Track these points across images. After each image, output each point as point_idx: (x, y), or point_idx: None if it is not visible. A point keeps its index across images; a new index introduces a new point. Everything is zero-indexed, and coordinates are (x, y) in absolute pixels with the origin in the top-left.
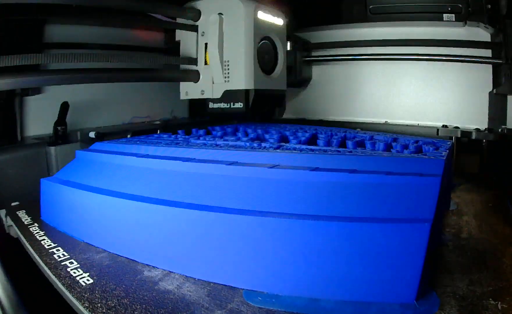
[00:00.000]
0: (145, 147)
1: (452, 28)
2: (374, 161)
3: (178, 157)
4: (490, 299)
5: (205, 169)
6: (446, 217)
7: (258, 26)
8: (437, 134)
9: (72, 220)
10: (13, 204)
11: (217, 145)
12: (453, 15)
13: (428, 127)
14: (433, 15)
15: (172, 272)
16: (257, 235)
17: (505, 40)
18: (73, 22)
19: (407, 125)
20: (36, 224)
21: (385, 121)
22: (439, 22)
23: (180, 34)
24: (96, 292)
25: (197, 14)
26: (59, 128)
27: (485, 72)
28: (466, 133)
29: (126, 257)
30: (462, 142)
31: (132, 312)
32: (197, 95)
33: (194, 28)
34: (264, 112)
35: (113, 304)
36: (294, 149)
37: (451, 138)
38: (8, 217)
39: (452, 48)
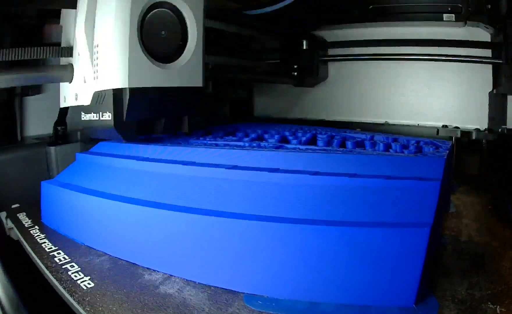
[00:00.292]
0: (146, 149)
1: (452, 28)
2: (374, 164)
3: (179, 161)
4: (489, 303)
5: (205, 172)
6: (445, 220)
7: None
8: (437, 134)
9: (73, 223)
10: (13, 206)
11: (217, 145)
12: (453, 15)
13: (428, 127)
14: (433, 15)
15: (172, 275)
16: (258, 239)
17: (505, 40)
18: None
19: (407, 125)
20: (36, 227)
21: (385, 121)
22: (439, 22)
23: (63, 17)
24: (98, 296)
25: None
26: (59, 128)
27: (485, 72)
28: (466, 133)
29: (126, 261)
30: (462, 142)
31: None
32: (72, 101)
33: (74, 4)
34: (165, 124)
35: (114, 308)
36: (295, 149)
37: (451, 138)
38: (8, 220)
39: (452, 48)
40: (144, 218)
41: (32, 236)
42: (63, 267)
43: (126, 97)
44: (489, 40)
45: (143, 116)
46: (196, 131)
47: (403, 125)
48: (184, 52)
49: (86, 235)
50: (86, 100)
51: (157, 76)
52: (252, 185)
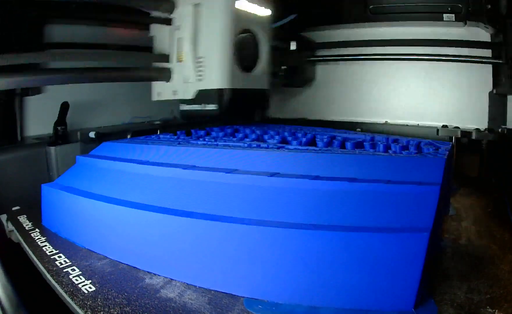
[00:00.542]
0: (147, 151)
1: (452, 28)
2: (374, 166)
3: (179, 165)
4: (488, 307)
5: (205, 176)
6: (445, 223)
7: (238, 17)
8: (437, 134)
9: (74, 227)
10: (14, 208)
11: (217, 145)
12: (453, 15)
13: (428, 127)
14: (433, 15)
15: (173, 279)
16: (258, 243)
17: (505, 40)
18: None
19: (407, 125)
20: (37, 230)
21: (385, 121)
22: (439, 22)
23: (154, 29)
24: (99, 300)
25: (171, 6)
26: (59, 128)
27: (485, 72)
28: (466, 133)
29: (127, 264)
30: (462, 142)
31: None
32: (169, 96)
33: (168, 21)
34: (243, 113)
35: (115, 312)
36: (294, 150)
37: (451, 138)
38: (9, 222)
39: (452, 48)
40: (145, 222)
41: (33, 239)
42: (64, 270)
43: (227, 94)
44: (489, 40)
45: (234, 106)
46: (196, 131)
47: (404, 125)
48: (258, 64)
49: (86, 238)
50: (187, 95)
51: (243, 81)
52: (253, 189)
